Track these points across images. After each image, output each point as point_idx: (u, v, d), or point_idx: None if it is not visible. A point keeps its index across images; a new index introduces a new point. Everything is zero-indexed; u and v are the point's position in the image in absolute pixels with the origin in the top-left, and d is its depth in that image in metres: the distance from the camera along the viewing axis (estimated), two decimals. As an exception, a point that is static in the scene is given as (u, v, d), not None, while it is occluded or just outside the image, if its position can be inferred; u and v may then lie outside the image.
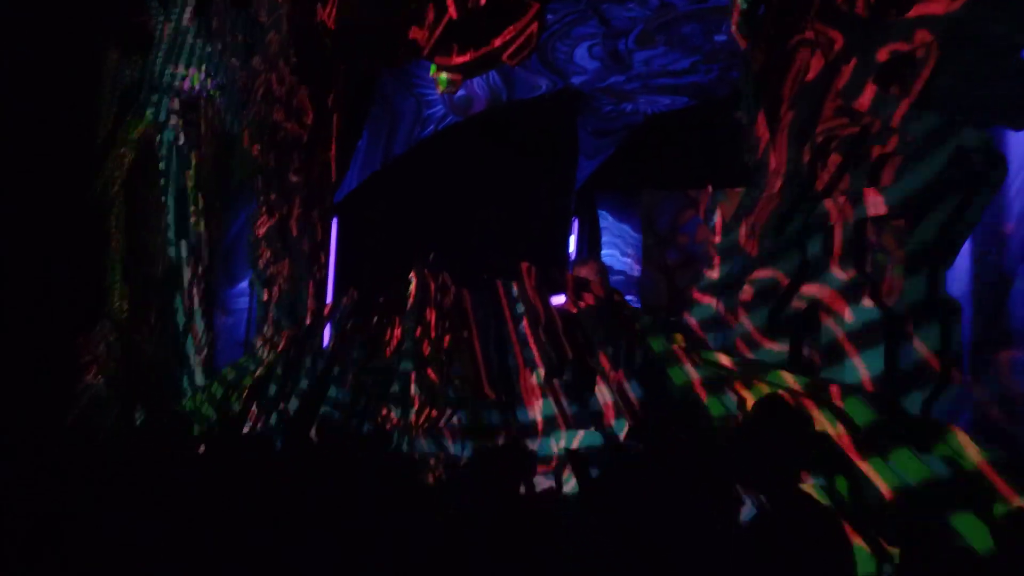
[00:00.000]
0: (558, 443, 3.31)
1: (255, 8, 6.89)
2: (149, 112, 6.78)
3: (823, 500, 2.47)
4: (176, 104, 6.78)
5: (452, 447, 4.15)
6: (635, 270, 6.65)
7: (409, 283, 5.84)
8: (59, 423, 6.41)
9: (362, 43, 6.94)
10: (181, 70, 6.79)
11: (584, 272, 4.57)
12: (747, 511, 2.42)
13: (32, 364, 6.62)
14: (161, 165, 6.75)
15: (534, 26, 6.32)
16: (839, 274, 2.89)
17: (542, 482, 3.14)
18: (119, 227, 6.80)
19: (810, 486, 2.47)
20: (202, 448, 5.47)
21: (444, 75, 6.72)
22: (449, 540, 2.65)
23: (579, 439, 3.24)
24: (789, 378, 2.70)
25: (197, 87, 6.82)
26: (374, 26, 6.87)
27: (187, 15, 6.80)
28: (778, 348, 2.90)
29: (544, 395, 3.56)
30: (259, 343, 6.73)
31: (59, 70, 6.96)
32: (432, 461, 4.42)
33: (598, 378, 3.30)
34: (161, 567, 3.07)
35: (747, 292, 3.06)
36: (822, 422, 2.48)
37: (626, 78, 7.15)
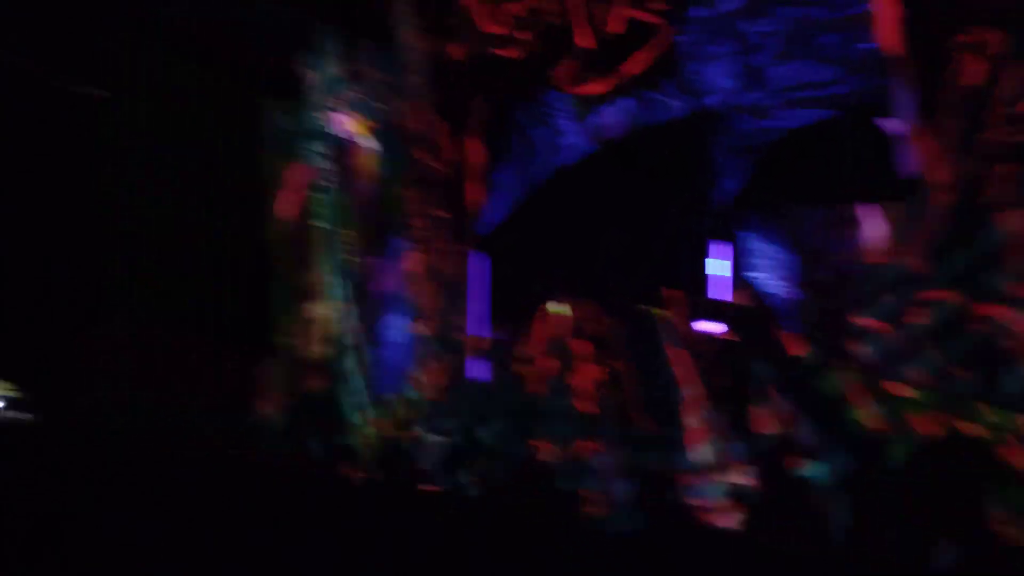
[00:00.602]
0: (725, 482, 3.21)
1: (396, 52, 7.13)
2: (306, 156, 7.11)
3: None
4: (329, 148, 7.08)
5: (611, 483, 4.10)
6: (787, 291, 6.40)
7: (556, 312, 5.84)
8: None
9: (497, 78, 7.05)
10: (332, 115, 7.08)
11: (736, 297, 4.44)
12: (942, 552, 2.26)
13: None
14: (318, 206, 7.06)
15: (666, 50, 6.25)
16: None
17: (710, 522, 3.05)
18: (282, 265, 7.14)
19: (1010, 528, 2.28)
20: (369, 478, 5.57)
21: (579, 104, 6.73)
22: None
23: (747, 478, 3.13)
24: (986, 411, 2.51)
25: (347, 130, 7.09)
26: (508, 61, 6.98)
27: (335, 63, 7.09)
28: (968, 378, 2.71)
29: (706, 431, 3.46)
30: (417, 375, 6.89)
31: (224, 118, 7.41)
32: (589, 497, 4.38)
33: (765, 414, 3.18)
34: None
35: (924, 316, 2.88)
36: None
37: (763, 94, 6.94)
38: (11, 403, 6.87)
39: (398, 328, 7.08)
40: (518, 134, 7.43)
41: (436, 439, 6.66)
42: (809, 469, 3.08)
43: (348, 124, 7.13)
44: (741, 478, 3.13)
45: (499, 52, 6.93)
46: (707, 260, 7.31)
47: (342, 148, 7.15)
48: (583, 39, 6.25)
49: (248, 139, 7.14)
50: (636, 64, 5.84)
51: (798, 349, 3.27)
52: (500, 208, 7.46)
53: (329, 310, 7.05)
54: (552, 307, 5.63)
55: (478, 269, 7.28)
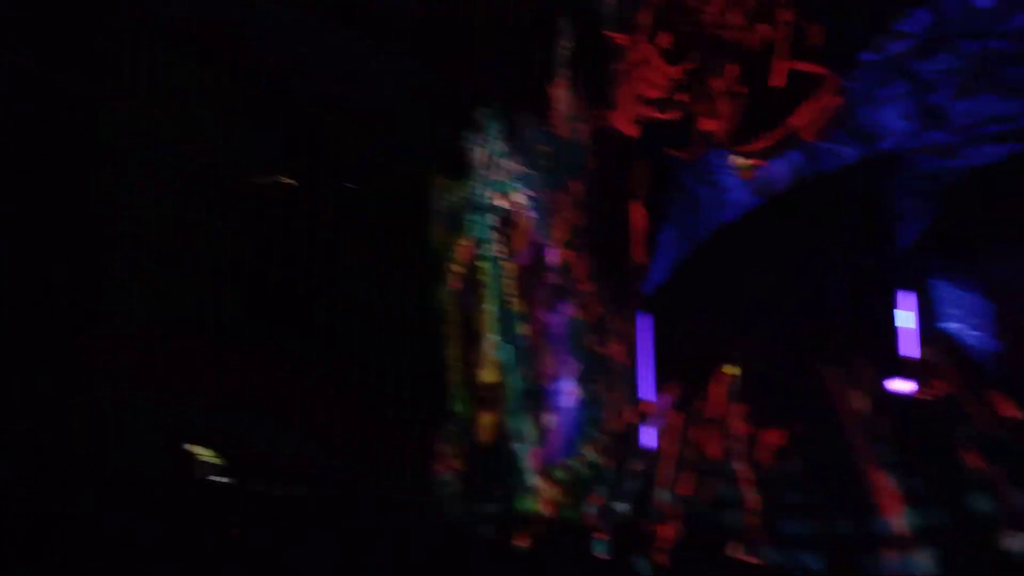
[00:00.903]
0: (925, 555, 2.94)
1: (554, 124, 7.28)
2: (471, 230, 7.35)
3: None
4: (494, 220, 7.29)
5: (802, 557, 3.86)
6: (987, 343, 5.87)
7: (731, 375, 5.66)
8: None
9: (657, 140, 7.04)
10: (496, 189, 7.30)
11: (930, 352, 4.12)
12: None
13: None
14: (485, 277, 7.25)
15: (833, 98, 6.04)
16: None
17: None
18: (454, 335, 7.35)
19: None
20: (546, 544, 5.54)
21: (743, 160, 6.59)
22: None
23: (949, 551, 2.86)
24: None
25: (510, 203, 7.28)
26: (668, 123, 6.96)
27: (497, 139, 7.33)
28: None
29: (900, 498, 3.20)
30: (589, 440, 6.84)
31: (396, 194, 7.77)
32: (776, 567, 4.15)
33: (969, 481, 2.91)
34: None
35: None
36: None
37: (944, 132, 6.54)
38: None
39: (568, 393, 7.07)
40: (680, 193, 7.36)
41: (614, 505, 6.56)
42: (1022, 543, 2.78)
43: (511, 196, 7.32)
44: (942, 551, 2.86)
45: (659, 115, 6.93)
46: (895, 312, 6.85)
47: (507, 219, 7.35)
48: (744, 96, 6.16)
49: (418, 213, 7.49)
50: (802, 116, 5.67)
51: (1006, 408, 2.97)
52: (663, 268, 7.38)
53: (499, 375, 7.17)
54: (728, 368, 5.46)
55: (644, 331, 7.20)
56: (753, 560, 4.52)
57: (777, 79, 5.91)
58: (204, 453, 7.25)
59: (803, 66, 5.91)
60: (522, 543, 6.50)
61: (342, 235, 8.04)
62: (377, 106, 7.54)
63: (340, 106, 7.72)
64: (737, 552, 4.76)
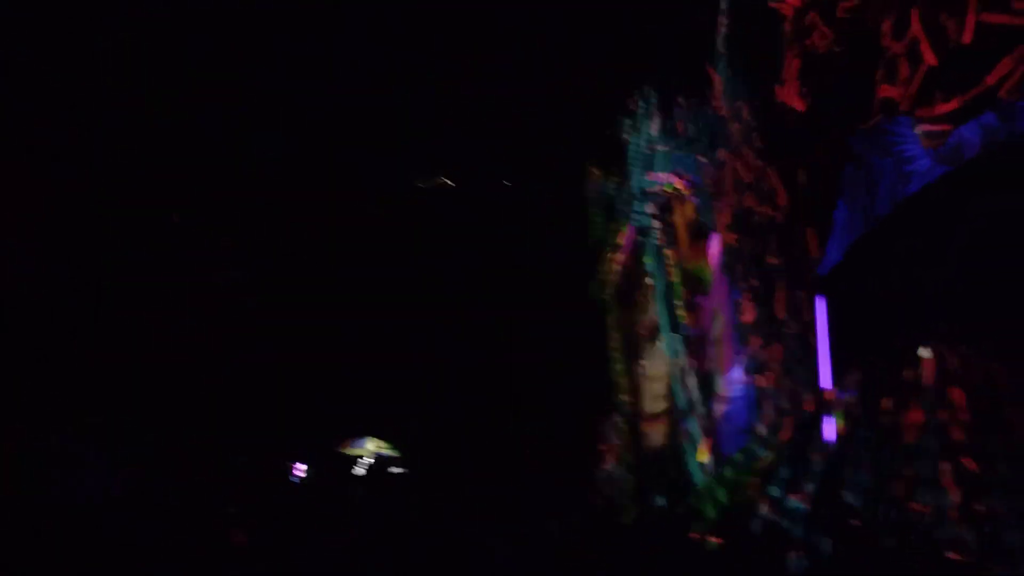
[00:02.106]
0: None
1: (713, 104, 6.95)
2: (630, 218, 7.14)
3: None
4: (653, 208, 7.05)
5: (1003, 536, 3.46)
6: None
7: (920, 358, 5.18)
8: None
9: (831, 112, 6.57)
10: (653, 176, 7.06)
11: None
12: None
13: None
14: (646, 265, 7.03)
15: (1032, 51, 5.41)
16: None
17: None
18: (615, 325, 7.17)
19: None
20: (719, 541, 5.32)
21: (927, 127, 6.04)
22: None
23: None
24: None
25: (669, 189, 7.01)
26: (843, 92, 6.48)
27: (653, 124, 7.09)
28: None
29: None
30: (761, 430, 6.50)
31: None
32: (970, 550, 3.76)
33: None
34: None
35: None
36: None
37: None
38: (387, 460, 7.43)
39: (739, 383, 6.74)
40: (856, 166, 6.85)
41: (791, 502, 6.19)
42: None
43: (670, 180, 7.05)
44: None
45: (831, 84, 6.47)
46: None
47: (665, 207, 7.09)
48: (926, 55, 5.62)
49: (574, 204, 7.34)
50: (999, 73, 5.11)
51: None
52: (838, 248, 6.89)
53: (665, 366, 6.93)
54: (922, 352, 5.00)
55: (820, 314, 6.74)
56: (952, 544, 4.12)
57: (966, 34, 5.36)
58: (373, 449, 7.39)
59: (996, 18, 5.32)
60: (693, 538, 6.25)
61: (495, 231, 8.01)
62: (525, 96, 7.44)
63: (485, 99, 7.64)
64: (930, 538, 4.36)
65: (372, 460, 6.91)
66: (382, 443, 6.93)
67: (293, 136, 7.02)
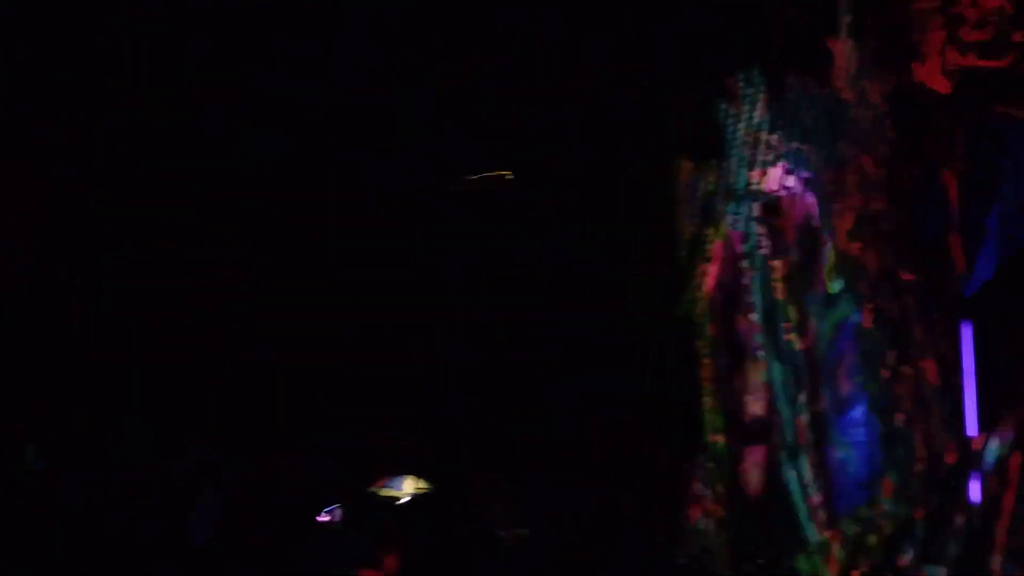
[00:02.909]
0: None
1: (834, 86, 5.77)
2: (728, 221, 5.97)
3: None
4: (757, 209, 5.88)
5: None
6: None
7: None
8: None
9: (979, 95, 5.38)
10: (758, 171, 5.89)
11: None
12: None
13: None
14: (746, 278, 5.86)
15: None
16: None
17: None
18: (706, 351, 6.02)
19: None
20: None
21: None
22: None
23: None
24: None
25: (778, 187, 5.84)
26: (994, 71, 5.30)
27: (759, 110, 5.92)
28: None
29: None
30: (886, 486, 5.33)
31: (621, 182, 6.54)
32: None
33: None
34: None
35: None
36: None
37: None
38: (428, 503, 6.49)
39: (862, 424, 5.54)
40: (1010, 164, 5.63)
41: (931, 569, 5.09)
42: None
43: (778, 178, 5.89)
44: None
45: (981, 63, 5.27)
46: None
47: (772, 208, 5.92)
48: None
49: (662, 205, 6.20)
50: None
51: None
52: (988, 261, 5.67)
53: (768, 401, 5.77)
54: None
55: (965, 343, 5.53)
56: None
57: None
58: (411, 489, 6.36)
59: None
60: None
61: (570, 234, 6.93)
62: (608, 77, 6.32)
63: (558, 80, 6.57)
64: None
65: (410, 502, 5.88)
66: (421, 482, 5.89)
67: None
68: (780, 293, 5.75)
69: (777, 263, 5.77)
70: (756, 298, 5.80)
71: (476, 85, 6.68)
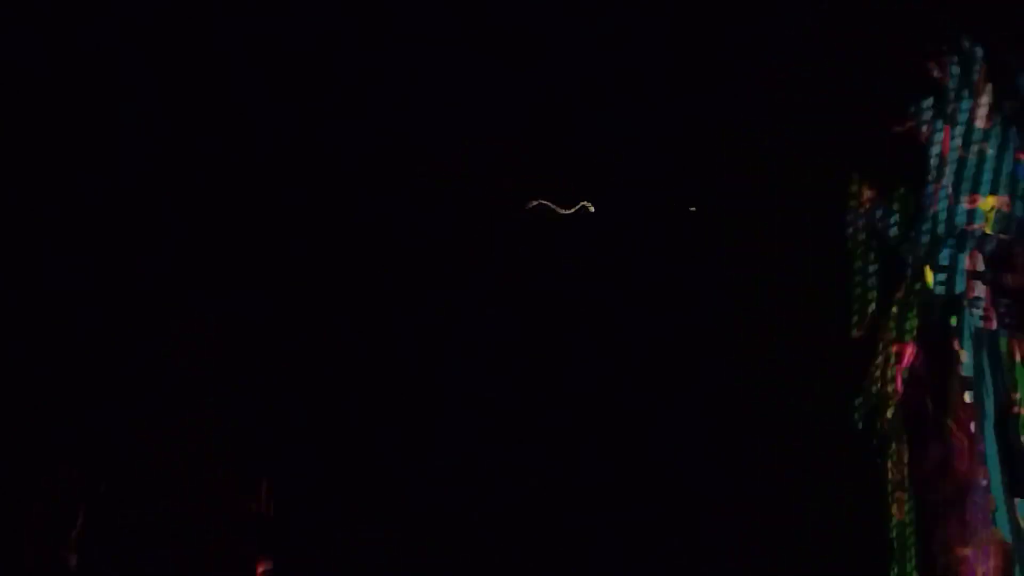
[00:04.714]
0: None
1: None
2: (927, 271, 3.94)
3: None
4: (978, 261, 3.83)
5: None
6: None
7: None
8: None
9: None
10: (980, 203, 3.85)
11: None
12: None
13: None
14: (962, 369, 3.79)
15: None
16: None
17: None
18: (899, 473, 3.97)
19: None
20: None
21: None
22: None
23: None
24: None
25: (1012, 225, 3.80)
26: None
27: (979, 108, 3.89)
28: None
29: None
30: None
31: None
32: None
33: None
34: None
35: None
36: None
37: None
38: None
39: None
40: None
41: None
42: None
43: (1009, 218, 3.86)
44: None
45: None
46: None
47: (1002, 260, 3.87)
48: None
49: (824, 245, 4.26)
50: None
51: None
52: None
53: (1002, 557, 3.68)
54: None
55: None
56: None
57: None
58: None
59: None
60: None
61: (695, 286, 5.10)
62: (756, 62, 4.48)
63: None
64: None
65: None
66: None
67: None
68: (1018, 389, 3.66)
69: (1015, 342, 3.68)
70: (978, 399, 3.71)
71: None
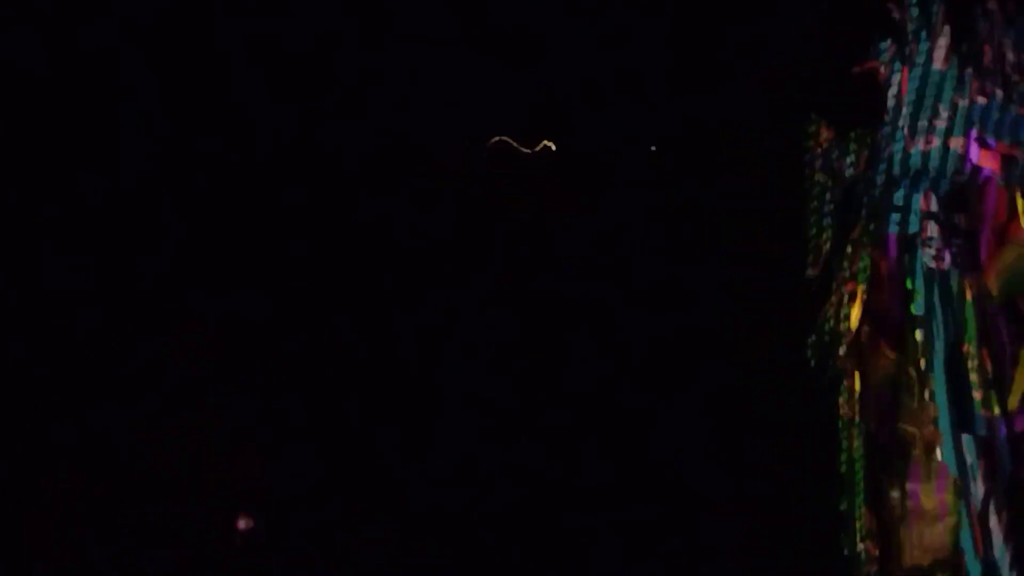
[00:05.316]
0: None
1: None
2: (887, 220, 3.96)
3: None
4: (931, 203, 3.86)
5: None
6: None
7: None
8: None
9: None
10: (936, 143, 3.86)
11: None
12: None
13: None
14: (913, 307, 3.83)
15: None
16: None
17: None
18: (850, 409, 4.01)
19: None
20: None
21: None
22: None
23: None
24: None
25: (967, 166, 3.83)
26: None
27: (938, 51, 3.91)
28: None
29: None
30: None
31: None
32: None
33: None
34: None
35: None
36: None
37: None
38: None
39: None
40: None
41: None
42: None
43: (967, 150, 3.87)
44: None
45: None
46: None
47: (956, 201, 3.89)
48: None
49: (781, 191, 4.30)
50: None
51: None
52: None
53: (948, 493, 3.72)
54: None
55: None
56: None
57: None
58: None
59: None
60: None
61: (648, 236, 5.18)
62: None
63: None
64: None
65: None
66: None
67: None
68: (968, 328, 3.70)
69: (967, 282, 3.72)
70: (929, 339, 3.75)
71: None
